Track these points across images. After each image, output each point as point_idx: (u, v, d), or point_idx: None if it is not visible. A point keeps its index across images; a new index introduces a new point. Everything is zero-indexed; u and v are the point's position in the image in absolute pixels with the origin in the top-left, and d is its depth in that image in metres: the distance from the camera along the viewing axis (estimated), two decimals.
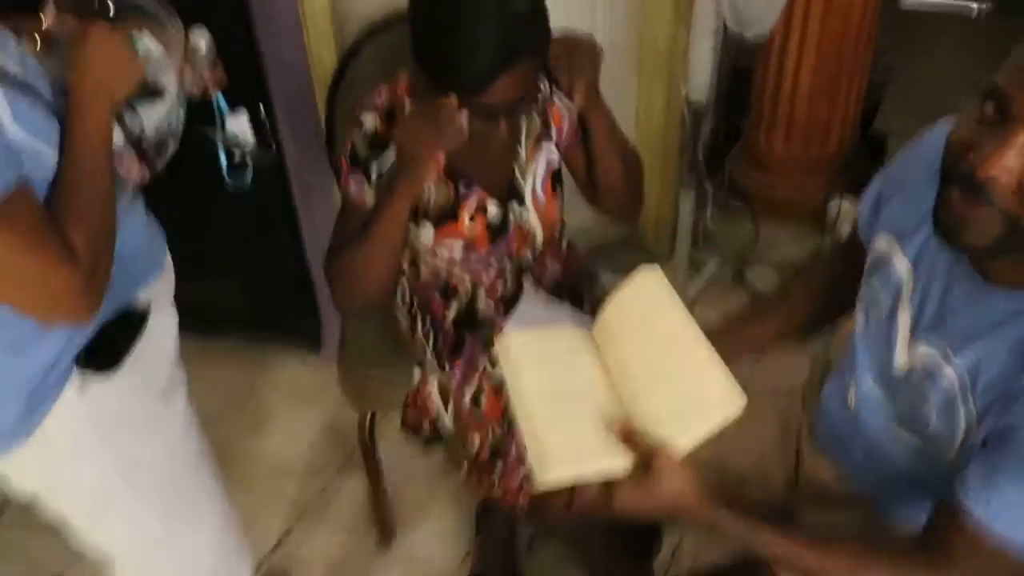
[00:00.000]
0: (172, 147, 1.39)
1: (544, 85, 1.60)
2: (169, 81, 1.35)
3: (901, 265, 1.20)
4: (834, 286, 1.43)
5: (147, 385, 1.39)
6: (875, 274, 1.25)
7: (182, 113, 1.40)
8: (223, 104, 1.54)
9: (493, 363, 1.65)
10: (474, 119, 1.39)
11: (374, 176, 1.52)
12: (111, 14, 1.29)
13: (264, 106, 2.14)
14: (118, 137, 1.28)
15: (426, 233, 1.61)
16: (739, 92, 2.96)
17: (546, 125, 1.63)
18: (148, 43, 1.30)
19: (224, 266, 2.51)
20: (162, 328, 1.42)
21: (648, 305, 1.27)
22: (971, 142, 0.96)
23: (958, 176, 0.97)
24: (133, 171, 1.34)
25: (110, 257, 1.19)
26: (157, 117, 1.35)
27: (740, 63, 2.88)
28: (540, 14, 1.38)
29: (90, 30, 1.19)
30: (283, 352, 2.67)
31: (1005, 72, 0.93)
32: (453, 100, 1.35)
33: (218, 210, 2.22)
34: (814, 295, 1.49)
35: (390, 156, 1.51)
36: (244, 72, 2.07)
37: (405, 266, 1.75)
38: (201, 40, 1.41)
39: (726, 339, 1.41)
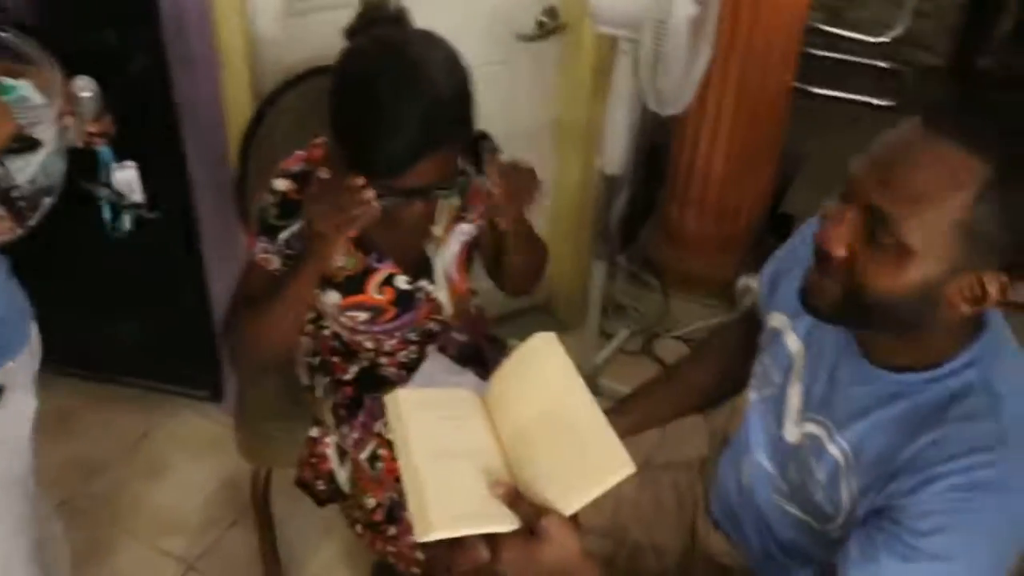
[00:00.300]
0: (49, 201, 1.30)
1: (468, 167, 1.56)
2: (47, 131, 1.25)
3: (792, 343, 1.24)
4: (732, 361, 1.46)
5: None
6: (768, 350, 1.29)
7: (62, 165, 1.30)
8: (108, 156, 1.46)
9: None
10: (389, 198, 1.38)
11: (281, 241, 1.50)
12: None
13: (175, 153, 2.13)
14: None
15: (332, 298, 1.60)
16: (655, 166, 3.04)
17: (464, 206, 1.62)
18: (25, 90, 1.23)
19: (127, 310, 2.45)
20: (15, 413, 1.33)
21: (541, 369, 1.27)
22: (824, 218, 1.05)
23: (814, 250, 1.06)
24: (1, 228, 1.25)
25: None
26: (32, 170, 1.25)
27: (657, 138, 2.96)
28: (465, 100, 1.38)
29: None
30: (183, 401, 2.60)
31: (855, 158, 1.02)
32: (360, 181, 1.32)
33: (123, 253, 2.17)
34: (713, 369, 1.51)
35: (299, 223, 1.49)
36: (158, 118, 2.07)
37: (308, 324, 1.73)
38: (85, 88, 1.33)
39: (626, 413, 1.43)
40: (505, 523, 1.08)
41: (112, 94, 1.99)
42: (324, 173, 1.52)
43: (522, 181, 1.50)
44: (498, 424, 1.25)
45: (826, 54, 4.09)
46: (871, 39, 4.20)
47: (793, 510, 1.25)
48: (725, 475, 1.43)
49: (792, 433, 1.23)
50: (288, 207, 1.50)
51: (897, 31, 4.15)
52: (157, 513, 2.31)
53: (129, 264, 2.23)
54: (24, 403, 1.36)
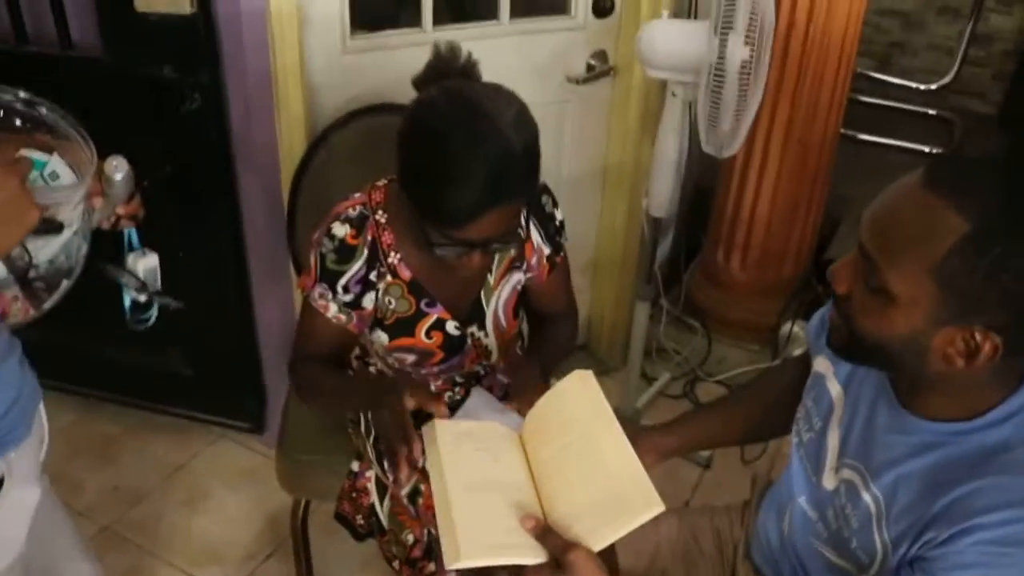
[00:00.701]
0: (67, 284, 1.22)
1: (522, 216, 1.58)
2: (73, 212, 1.17)
3: (833, 388, 1.24)
4: (780, 399, 1.45)
5: None
6: (810, 393, 1.28)
7: (85, 246, 1.22)
8: (135, 240, 1.40)
9: None
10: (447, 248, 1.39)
11: (340, 288, 1.53)
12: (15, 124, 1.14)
13: (228, 187, 2.17)
14: (0, 268, 1.15)
15: (380, 338, 1.61)
16: (700, 210, 3.03)
17: (520, 256, 1.64)
18: (57, 165, 1.16)
19: (173, 341, 2.49)
20: (16, 505, 1.27)
21: (576, 406, 1.28)
22: None
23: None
24: (13, 309, 1.19)
25: None
26: (52, 250, 1.18)
27: (703, 182, 2.96)
28: (533, 155, 1.37)
29: None
30: (225, 431, 2.63)
31: (870, 204, 1.05)
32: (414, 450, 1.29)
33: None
34: (761, 404, 1.51)
35: (356, 267, 1.52)
36: (212, 152, 2.12)
37: (354, 360, 1.75)
38: (118, 169, 1.24)
39: (670, 433, 1.46)
40: (533, 555, 1.09)
41: (169, 128, 2.06)
42: (382, 217, 1.54)
43: (528, 375, 1.52)
44: (531, 458, 1.26)
45: (875, 101, 4.09)
46: (921, 86, 4.19)
47: (831, 555, 1.24)
48: (766, 520, 1.42)
49: (830, 479, 1.22)
50: (346, 252, 1.52)
51: (947, 79, 4.13)
52: (196, 542, 2.33)
53: (178, 295, 2.27)
54: (25, 496, 1.30)
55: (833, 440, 1.22)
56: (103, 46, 2.06)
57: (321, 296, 1.54)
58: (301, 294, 1.60)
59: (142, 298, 1.44)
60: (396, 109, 2.00)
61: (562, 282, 1.73)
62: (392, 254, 1.54)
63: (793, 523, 1.31)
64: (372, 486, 1.70)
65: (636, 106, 2.52)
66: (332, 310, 1.55)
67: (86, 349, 2.53)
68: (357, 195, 1.57)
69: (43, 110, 1.15)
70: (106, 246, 1.35)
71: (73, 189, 1.15)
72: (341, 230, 1.53)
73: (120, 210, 1.29)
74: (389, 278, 1.56)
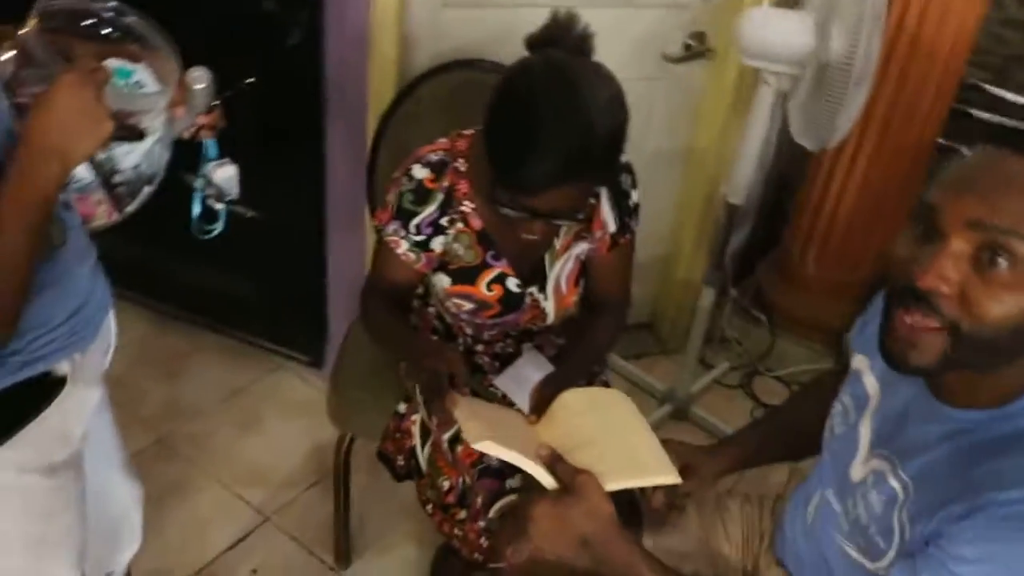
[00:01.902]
0: (149, 190, 1.27)
1: (595, 195, 1.61)
2: (156, 120, 1.20)
3: (870, 383, 1.23)
4: (830, 406, 1.44)
5: (36, 460, 1.26)
6: (847, 389, 1.28)
7: (167, 154, 1.26)
8: (213, 151, 1.43)
9: None
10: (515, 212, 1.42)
11: (412, 227, 1.57)
12: (102, 34, 1.17)
13: (317, 126, 2.21)
14: (87, 173, 1.19)
15: (442, 281, 1.64)
16: (782, 203, 2.99)
17: (588, 227, 1.65)
18: (142, 75, 1.18)
19: (248, 268, 2.57)
20: (78, 405, 1.31)
21: (609, 404, 1.34)
22: (910, 258, 0.99)
23: (899, 292, 1.00)
24: (98, 212, 1.23)
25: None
26: (135, 157, 1.22)
27: (788, 175, 2.92)
28: (617, 140, 1.38)
29: (61, 79, 1.02)
30: (285, 362, 2.71)
31: (931, 188, 0.98)
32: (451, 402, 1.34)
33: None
34: (813, 413, 1.49)
35: (430, 210, 1.56)
36: (306, 89, 2.16)
37: (415, 300, 1.79)
38: (200, 79, 1.27)
39: (720, 454, 1.47)
40: (544, 477, 1.10)
41: (266, 63, 2.11)
42: (462, 165, 1.56)
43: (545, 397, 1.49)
44: (551, 431, 1.28)
45: (984, 115, 3.95)
46: None
47: (851, 551, 1.23)
48: (794, 513, 1.41)
49: (858, 471, 1.21)
50: (423, 194, 1.56)
51: None
52: (243, 464, 2.40)
53: (257, 224, 2.34)
54: (86, 398, 1.34)
55: (865, 431, 1.21)
56: None
57: (395, 232, 1.58)
58: (375, 227, 1.64)
59: (217, 206, 1.47)
60: (488, 66, 2.01)
61: (620, 267, 1.73)
62: (466, 203, 1.57)
63: (819, 517, 1.31)
64: (416, 429, 1.74)
65: (729, 91, 2.49)
66: (403, 247, 1.59)
67: (161, 265, 2.62)
68: (442, 140, 1.61)
69: (132, 19, 1.18)
70: (188, 157, 1.39)
71: (156, 98, 1.18)
72: (421, 172, 1.56)
73: (201, 120, 1.32)
74: (460, 225, 1.59)
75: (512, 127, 1.36)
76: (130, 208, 1.26)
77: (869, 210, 2.69)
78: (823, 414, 1.43)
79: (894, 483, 1.12)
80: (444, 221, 1.58)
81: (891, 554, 1.13)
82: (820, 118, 2.08)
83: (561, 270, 1.66)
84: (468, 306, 1.65)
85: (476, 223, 1.56)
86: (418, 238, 1.58)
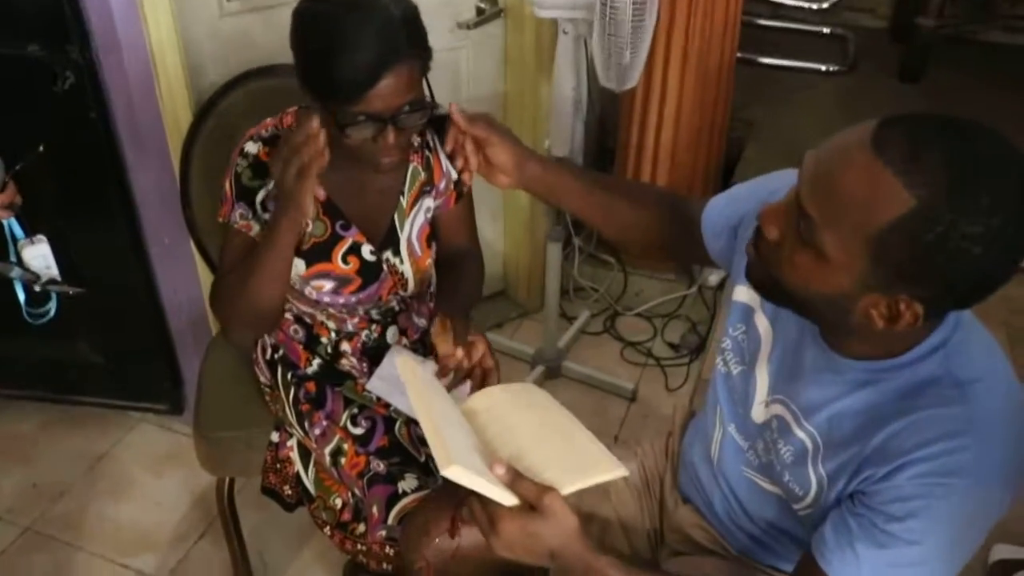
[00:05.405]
0: None
1: (431, 137, 1.62)
2: None
3: (761, 323, 1.24)
4: (647, 213, 1.47)
5: None
6: (740, 324, 1.28)
7: None
8: (19, 231, 1.34)
9: (352, 419, 1.64)
10: (358, 152, 1.41)
11: (258, 204, 1.52)
12: None
13: (115, 166, 2.09)
14: None
15: (298, 267, 1.58)
16: (607, 147, 3.03)
17: (430, 179, 1.63)
18: None
19: (79, 329, 2.41)
20: None
21: (529, 396, 1.34)
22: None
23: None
24: None
25: None
26: None
27: (608, 119, 2.95)
28: (415, 21, 1.42)
29: None
30: (143, 416, 2.58)
31: (810, 151, 1.02)
32: (315, 121, 1.33)
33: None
34: (626, 203, 1.49)
35: (271, 184, 1.50)
36: (90, 131, 2.03)
37: None
38: None
39: (540, 164, 1.48)
40: (506, 497, 1.09)
41: (48, 118, 1.97)
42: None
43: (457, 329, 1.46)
44: (483, 427, 1.26)
45: (769, 23, 4.11)
46: (813, 5, 4.23)
47: (763, 483, 1.26)
48: (692, 449, 1.43)
49: (759, 413, 1.24)
50: (260, 168, 1.52)
51: None
52: (125, 531, 2.28)
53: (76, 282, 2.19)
54: None
55: (762, 375, 1.23)
56: None
57: (242, 216, 1.53)
58: (221, 222, 1.57)
59: (37, 288, 1.38)
60: (281, 70, 1.94)
61: (467, 216, 1.74)
62: None
63: (723, 451, 1.32)
64: (295, 455, 1.68)
65: (530, 46, 2.49)
66: (255, 229, 1.53)
67: None
68: (268, 120, 1.57)
69: None
70: None
71: None
72: (254, 147, 1.53)
73: None
74: None
75: (318, 46, 1.36)
76: None
77: (689, 137, 2.76)
78: (651, 224, 1.46)
79: (800, 434, 1.15)
80: None
81: (807, 500, 1.16)
82: (616, 56, 2.11)
83: (411, 228, 1.64)
84: (328, 285, 1.60)
85: (320, 193, 1.48)
86: (267, 216, 1.52)
